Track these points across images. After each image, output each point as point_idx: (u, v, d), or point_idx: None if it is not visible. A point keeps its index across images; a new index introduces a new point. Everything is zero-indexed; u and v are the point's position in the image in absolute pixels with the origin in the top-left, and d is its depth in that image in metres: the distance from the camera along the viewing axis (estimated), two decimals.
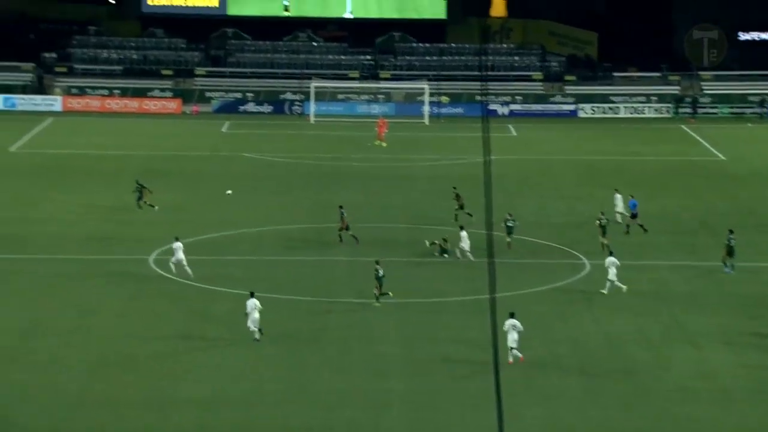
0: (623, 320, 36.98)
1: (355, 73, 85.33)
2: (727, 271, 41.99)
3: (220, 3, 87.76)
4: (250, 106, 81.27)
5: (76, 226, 46.63)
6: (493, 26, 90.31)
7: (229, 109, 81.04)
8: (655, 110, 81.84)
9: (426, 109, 78.73)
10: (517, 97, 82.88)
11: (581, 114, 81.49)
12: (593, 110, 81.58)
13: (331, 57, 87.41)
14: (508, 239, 44.17)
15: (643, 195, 51.55)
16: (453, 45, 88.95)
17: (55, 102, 79.65)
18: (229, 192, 51.78)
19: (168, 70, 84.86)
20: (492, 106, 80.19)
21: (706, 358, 33.87)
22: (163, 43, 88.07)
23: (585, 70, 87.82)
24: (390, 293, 38.21)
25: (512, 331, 32.49)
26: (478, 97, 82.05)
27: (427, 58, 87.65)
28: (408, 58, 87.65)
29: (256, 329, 33.92)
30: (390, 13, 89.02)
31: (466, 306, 38.22)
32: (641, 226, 47.16)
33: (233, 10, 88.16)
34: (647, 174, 60.43)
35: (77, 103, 79.94)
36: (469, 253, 42.93)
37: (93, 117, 77.63)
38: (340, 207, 46.22)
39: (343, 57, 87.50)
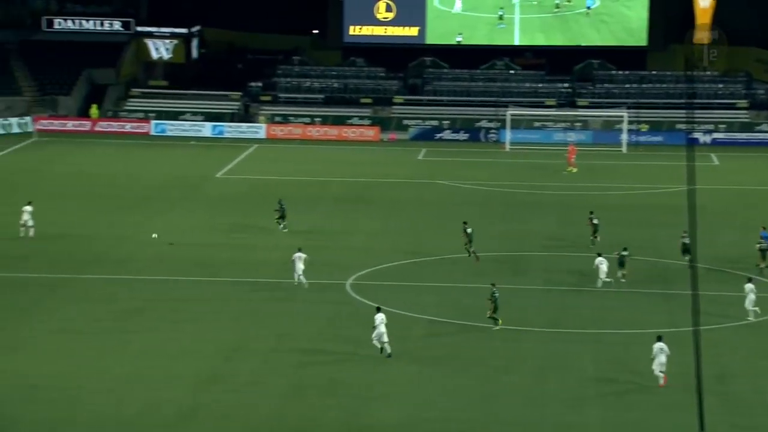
0: None
1: (552, 101, 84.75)
2: None
3: (419, 32, 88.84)
4: (446, 134, 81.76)
5: (276, 251, 47.84)
6: (696, 54, 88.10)
7: (426, 136, 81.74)
8: None
9: (624, 137, 77.40)
10: (720, 126, 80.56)
11: None
12: None
13: (527, 85, 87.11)
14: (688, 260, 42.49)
15: None
16: (654, 72, 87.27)
17: (259, 130, 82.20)
18: (155, 236, 50.67)
19: (367, 98, 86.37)
20: (694, 135, 78.14)
21: None
22: (362, 72, 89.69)
23: None
24: (499, 321, 37.80)
25: (660, 354, 32.73)
26: (679, 126, 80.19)
27: (627, 85, 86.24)
28: (607, 85, 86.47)
29: (383, 342, 34.74)
30: (589, 40, 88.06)
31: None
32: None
33: (432, 39, 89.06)
34: None
35: (280, 130, 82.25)
36: (603, 280, 42.70)
37: (294, 144, 79.68)
38: (464, 223, 46.74)
39: (540, 85, 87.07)
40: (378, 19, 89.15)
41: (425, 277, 44.89)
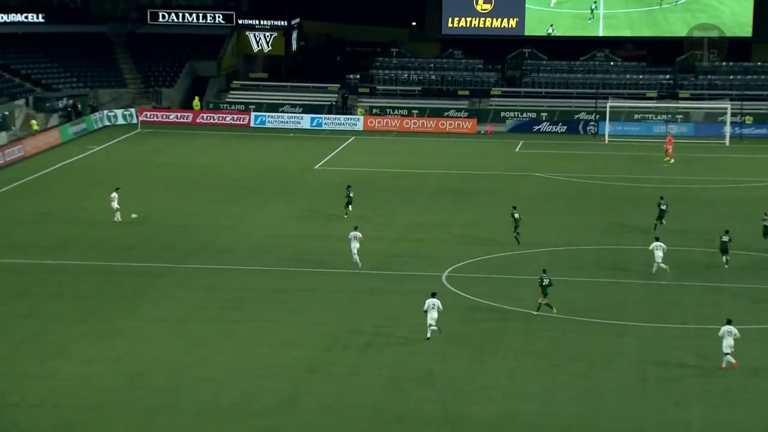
0: None
1: (653, 93, 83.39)
2: None
3: (517, 24, 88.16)
4: (544, 126, 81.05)
5: (375, 242, 47.91)
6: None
7: (524, 128, 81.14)
8: None
9: (727, 129, 75.81)
10: None
11: None
12: None
13: (628, 76, 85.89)
14: None
15: None
16: (759, 63, 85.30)
17: (357, 121, 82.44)
18: (135, 216, 51.83)
19: (465, 90, 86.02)
20: None
21: None
22: (460, 64, 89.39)
23: None
24: (554, 309, 37.69)
25: (728, 336, 33.02)
26: None
27: (731, 77, 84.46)
28: (710, 77, 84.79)
29: (434, 327, 35.49)
30: (692, 31, 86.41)
31: (766, 335, 36.37)
32: None
33: (530, 30, 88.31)
34: None
35: (378, 122, 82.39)
36: (661, 265, 42.71)
37: (392, 136, 79.73)
38: (513, 208, 47.69)
39: (641, 76, 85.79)
40: (477, 11, 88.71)
41: (522, 270, 44.54)
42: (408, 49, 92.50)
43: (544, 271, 39.03)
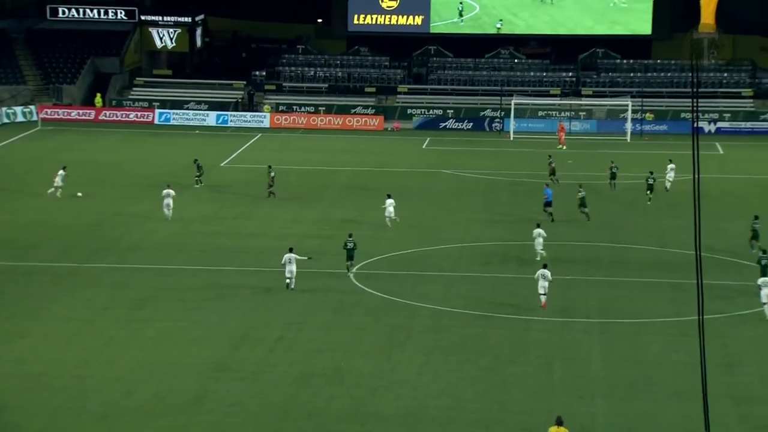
0: None
1: (557, 90, 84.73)
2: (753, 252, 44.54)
3: (423, 21, 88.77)
4: (450, 123, 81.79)
5: (283, 240, 47.91)
6: (701, 42, 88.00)
7: (430, 125, 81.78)
8: None
9: (628, 126, 77.41)
10: (725, 115, 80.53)
11: None
12: None
13: (532, 74, 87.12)
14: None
15: None
16: (659, 61, 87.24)
17: (264, 119, 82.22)
18: (80, 194, 55.88)
19: (371, 87, 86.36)
20: (699, 124, 78.10)
21: None
22: (367, 61, 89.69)
23: None
24: (351, 271, 42.41)
25: (542, 279, 38.70)
26: (684, 115, 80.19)
27: (632, 74, 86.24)
28: (611, 74, 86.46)
29: (291, 279, 40.07)
30: (594, 29, 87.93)
31: (668, 327, 37.36)
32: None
33: (436, 28, 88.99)
34: None
35: (284, 119, 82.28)
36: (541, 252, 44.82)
37: (299, 133, 79.70)
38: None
39: (544, 74, 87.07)
40: (382, 8, 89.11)
41: (431, 267, 44.96)
42: (314, 45, 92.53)
43: (350, 235, 43.15)
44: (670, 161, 60.12)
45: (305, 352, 34.91)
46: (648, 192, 55.98)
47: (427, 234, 50.16)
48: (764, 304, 37.91)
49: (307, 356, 34.56)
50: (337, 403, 30.89)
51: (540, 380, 32.81)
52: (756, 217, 47.54)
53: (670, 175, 59.04)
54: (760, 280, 38.37)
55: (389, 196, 51.50)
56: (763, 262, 41.10)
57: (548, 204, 52.42)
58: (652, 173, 56.66)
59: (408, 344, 35.77)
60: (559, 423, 26.79)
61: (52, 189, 55.95)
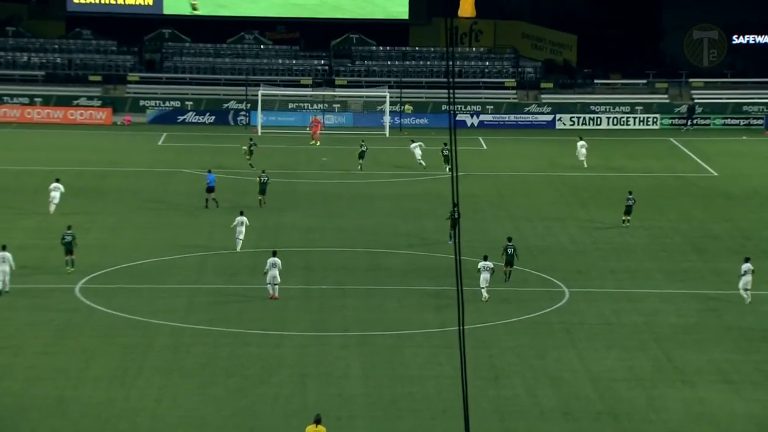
0: (609, 356, 37.17)
1: (308, 80, 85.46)
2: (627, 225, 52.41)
3: (154, 1, 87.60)
4: (190, 116, 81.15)
5: None
6: (461, 27, 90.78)
7: (166, 119, 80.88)
8: (641, 121, 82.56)
9: (387, 119, 78.97)
10: (488, 107, 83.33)
11: (559, 125, 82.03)
12: (572, 121, 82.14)
13: (280, 61, 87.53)
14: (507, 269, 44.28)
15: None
16: (417, 48, 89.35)
17: None
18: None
19: (96, 75, 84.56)
20: (460, 117, 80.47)
21: (702, 398, 34.11)
22: (90, 46, 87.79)
23: (563, 76, 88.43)
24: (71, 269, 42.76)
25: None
26: (445, 107, 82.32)
27: (389, 62, 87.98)
28: (367, 62, 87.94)
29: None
30: (347, 12, 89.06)
31: (432, 338, 38.29)
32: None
33: (170, 9, 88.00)
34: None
35: None
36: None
37: (11, 128, 77.17)
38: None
39: (294, 61, 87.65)
40: None
41: (171, 279, 44.44)
42: (27, 27, 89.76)
43: (69, 228, 44.15)
44: (581, 138, 67.57)
45: (23, 381, 33.81)
46: (359, 161, 64.09)
47: (167, 241, 49.52)
48: (482, 288, 41.27)
49: (25, 386, 33.47)
50: None
51: (293, 401, 32.99)
52: (630, 192, 53.83)
53: (581, 152, 66.22)
54: (481, 264, 41.56)
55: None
56: (509, 251, 44.02)
57: (211, 189, 55.31)
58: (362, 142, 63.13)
59: (144, 367, 35.25)
60: (318, 421, 27.87)
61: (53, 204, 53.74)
